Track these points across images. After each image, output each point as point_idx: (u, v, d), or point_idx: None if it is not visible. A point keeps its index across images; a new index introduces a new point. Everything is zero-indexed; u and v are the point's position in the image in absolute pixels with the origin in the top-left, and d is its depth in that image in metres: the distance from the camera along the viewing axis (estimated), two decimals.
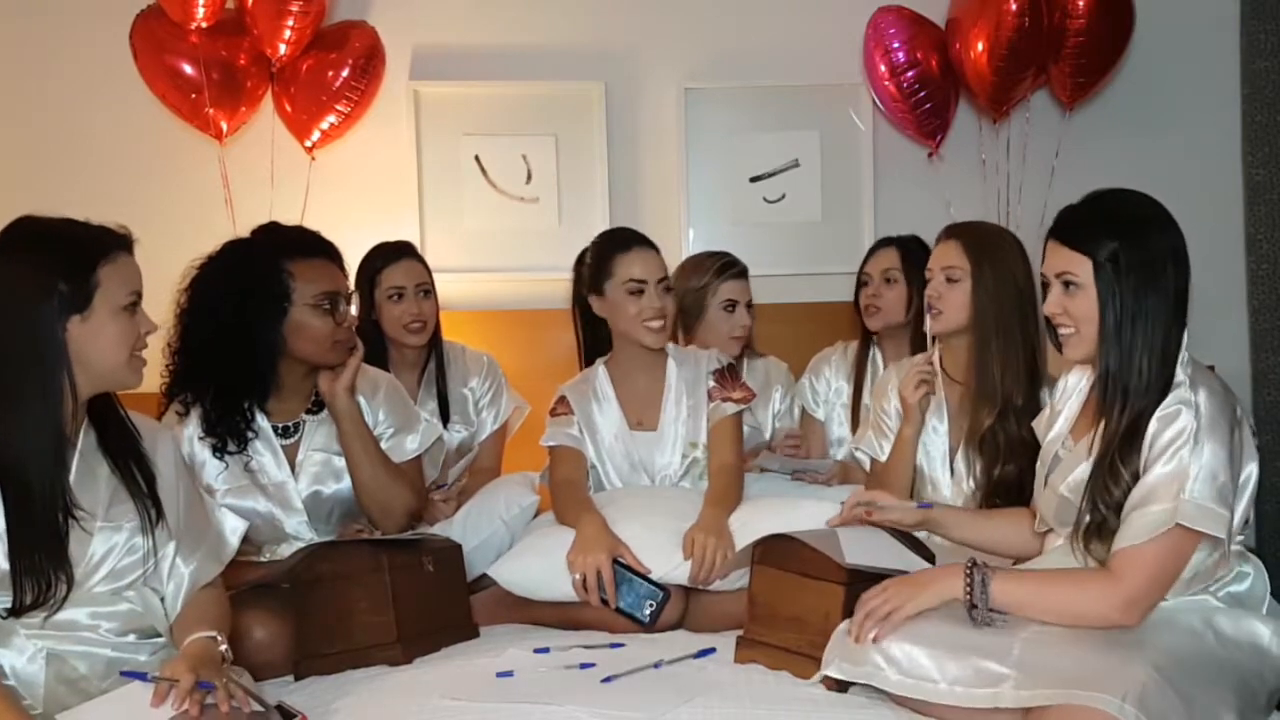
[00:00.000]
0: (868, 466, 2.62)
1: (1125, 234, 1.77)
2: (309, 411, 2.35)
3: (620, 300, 2.54)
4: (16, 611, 1.67)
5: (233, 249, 2.28)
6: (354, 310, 2.32)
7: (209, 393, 2.22)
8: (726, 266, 2.97)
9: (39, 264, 1.67)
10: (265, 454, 2.29)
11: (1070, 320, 1.82)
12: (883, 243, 3.00)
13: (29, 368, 1.66)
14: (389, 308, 2.87)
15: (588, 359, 2.74)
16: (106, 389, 1.77)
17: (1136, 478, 1.73)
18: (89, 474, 1.74)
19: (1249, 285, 3.58)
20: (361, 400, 2.36)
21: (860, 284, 2.98)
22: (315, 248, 2.30)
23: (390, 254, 2.92)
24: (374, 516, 2.34)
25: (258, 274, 2.21)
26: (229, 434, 2.24)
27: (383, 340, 2.89)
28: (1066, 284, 1.81)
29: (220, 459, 2.25)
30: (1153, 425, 1.72)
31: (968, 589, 1.74)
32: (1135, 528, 1.69)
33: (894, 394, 2.52)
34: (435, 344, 2.96)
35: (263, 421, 2.29)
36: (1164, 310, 1.75)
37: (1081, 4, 3.23)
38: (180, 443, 2.10)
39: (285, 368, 2.27)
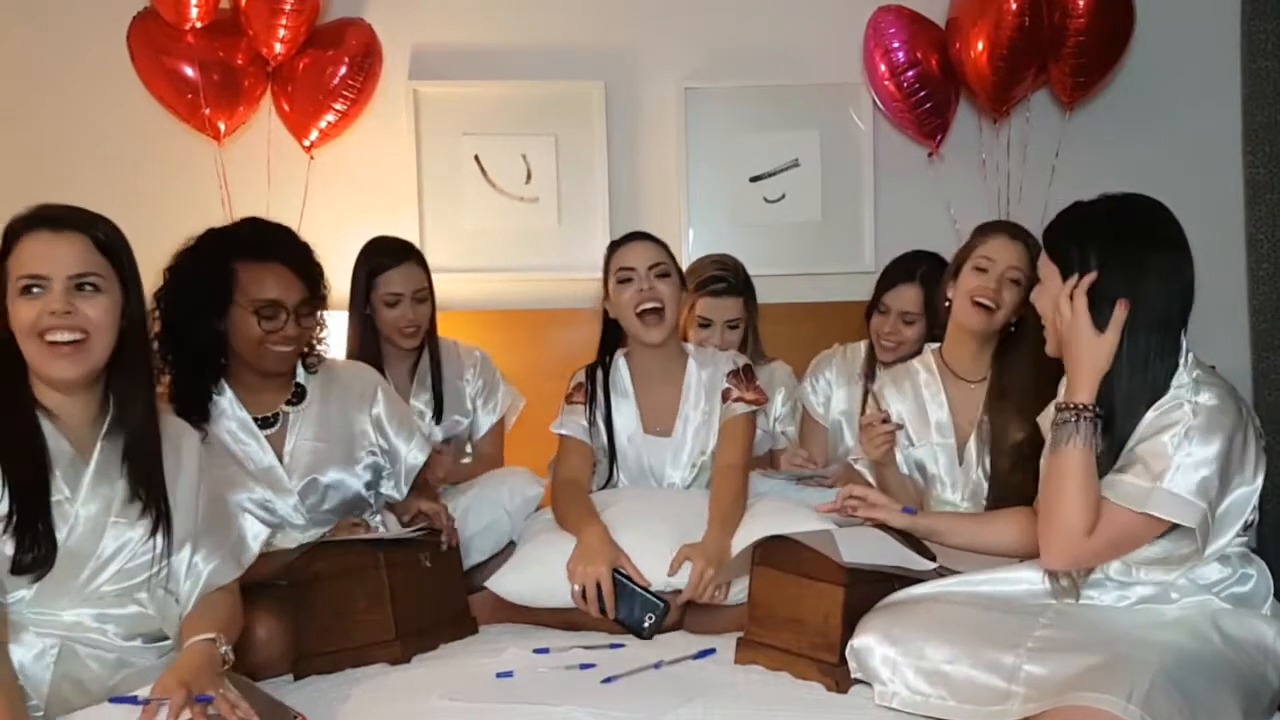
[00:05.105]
0: (870, 478, 2.55)
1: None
2: (288, 403, 2.37)
3: (615, 293, 2.53)
4: (19, 569, 1.64)
5: (207, 235, 2.34)
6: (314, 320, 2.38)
7: (174, 367, 2.26)
8: (709, 281, 2.91)
9: None
10: (250, 442, 2.32)
11: None
12: (905, 276, 2.85)
13: None
14: (384, 311, 2.85)
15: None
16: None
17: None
18: (106, 473, 1.74)
19: (1249, 285, 3.57)
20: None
21: (876, 308, 2.89)
22: (270, 252, 2.30)
23: (391, 259, 2.88)
24: None
25: (204, 269, 2.27)
26: (192, 408, 2.24)
27: (377, 335, 2.88)
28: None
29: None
30: (1150, 414, 1.73)
31: None
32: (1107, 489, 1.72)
33: (885, 403, 2.50)
34: (429, 342, 2.95)
35: (242, 413, 2.32)
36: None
37: (1081, 4, 3.22)
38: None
39: (246, 359, 2.30)
